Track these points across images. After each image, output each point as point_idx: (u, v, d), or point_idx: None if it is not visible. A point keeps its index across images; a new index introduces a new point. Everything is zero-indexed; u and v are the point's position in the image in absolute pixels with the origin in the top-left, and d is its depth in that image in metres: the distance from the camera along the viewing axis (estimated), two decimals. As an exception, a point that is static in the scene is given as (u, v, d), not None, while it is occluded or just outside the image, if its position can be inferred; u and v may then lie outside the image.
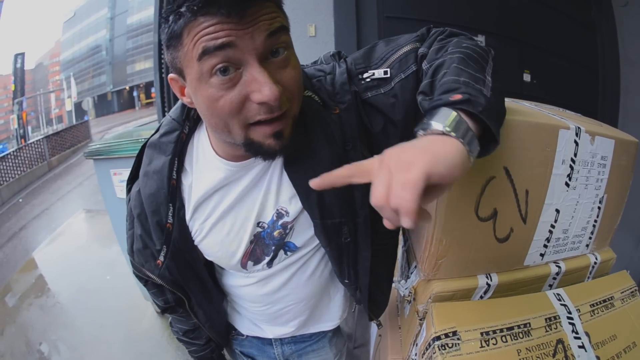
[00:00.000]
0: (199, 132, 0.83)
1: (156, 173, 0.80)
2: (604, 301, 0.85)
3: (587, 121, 0.93)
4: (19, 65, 40.46)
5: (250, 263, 0.88)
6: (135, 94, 42.64)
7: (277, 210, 0.82)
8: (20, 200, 11.80)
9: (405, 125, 0.76)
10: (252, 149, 0.69)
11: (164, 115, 3.86)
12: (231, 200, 0.81)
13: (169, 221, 0.82)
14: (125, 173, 2.40)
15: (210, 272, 0.95)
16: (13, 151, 14.25)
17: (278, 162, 0.79)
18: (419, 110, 0.74)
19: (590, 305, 0.82)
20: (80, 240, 5.54)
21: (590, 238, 0.94)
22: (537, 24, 3.37)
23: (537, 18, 3.38)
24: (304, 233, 0.85)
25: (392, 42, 0.80)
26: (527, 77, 3.38)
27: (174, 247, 0.84)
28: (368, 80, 0.78)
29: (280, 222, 0.83)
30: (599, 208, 0.92)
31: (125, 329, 3.11)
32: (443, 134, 0.54)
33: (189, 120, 0.82)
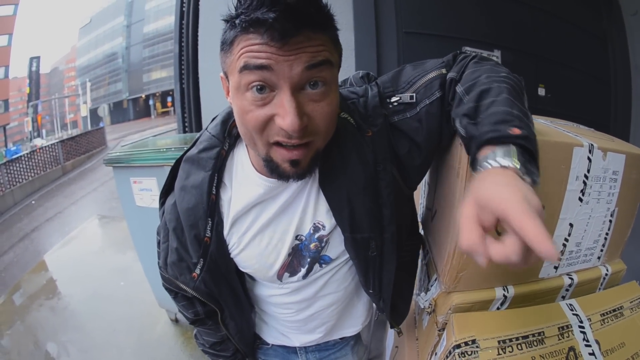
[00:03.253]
0: (239, 149, 0.85)
1: (195, 188, 0.81)
2: (614, 310, 0.87)
3: (599, 137, 0.95)
4: (34, 68, 40.77)
5: (286, 274, 0.90)
6: (151, 102, 42.69)
7: (314, 224, 0.85)
8: (33, 202, 11.84)
9: (427, 146, 0.80)
10: (269, 167, 0.73)
11: (183, 125, 3.93)
12: (270, 214, 0.84)
13: (207, 235, 0.83)
14: (146, 181, 2.41)
15: (241, 283, 0.96)
16: (26, 153, 14.38)
17: (315, 179, 0.82)
18: (442, 132, 0.78)
19: (600, 315, 0.85)
20: (94, 245, 5.48)
21: (601, 250, 0.96)
22: (551, 37, 3.38)
23: (551, 31, 3.39)
24: (338, 246, 0.88)
25: (419, 67, 0.83)
26: (541, 92, 3.38)
27: (210, 260, 0.85)
28: (395, 104, 0.81)
29: (317, 235, 0.86)
30: (610, 221, 0.94)
31: (137, 335, 3.08)
32: (516, 172, 0.57)
33: (230, 137, 0.84)
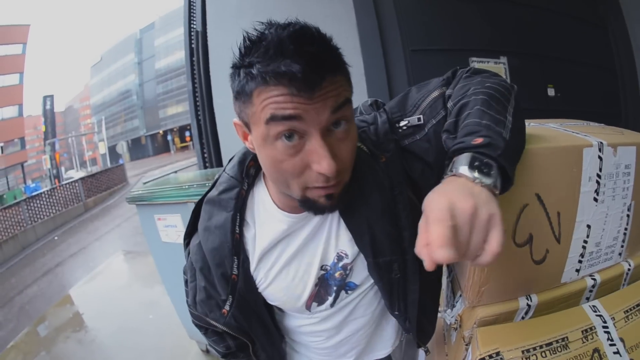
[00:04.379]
0: (258, 188, 0.87)
1: (218, 228, 0.84)
2: (637, 305, 0.85)
3: (609, 132, 0.95)
4: (48, 106, 41.46)
5: (314, 304, 0.92)
6: (169, 137, 43.31)
7: (338, 253, 0.87)
8: (56, 237, 12.00)
9: (439, 165, 0.80)
10: (305, 205, 0.74)
11: (203, 161, 3.96)
12: (294, 248, 0.86)
13: (234, 273, 0.85)
14: (170, 218, 2.45)
15: (270, 315, 0.97)
16: (47, 190, 14.76)
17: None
18: None
19: (624, 312, 0.83)
20: (121, 280, 5.56)
21: (622, 246, 0.94)
22: (553, 34, 3.39)
23: (552, 28, 3.41)
24: (362, 272, 0.89)
25: (423, 88, 0.85)
26: (551, 92, 3.38)
27: (239, 296, 0.87)
28: (405, 128, 0.83)
29: (341, 264, 0.88)
30: (628, 216, 0.93)
31: (168, 367, 3.08)
32: (467, 179, 0.60)
33: (248, 177, 0.86)
